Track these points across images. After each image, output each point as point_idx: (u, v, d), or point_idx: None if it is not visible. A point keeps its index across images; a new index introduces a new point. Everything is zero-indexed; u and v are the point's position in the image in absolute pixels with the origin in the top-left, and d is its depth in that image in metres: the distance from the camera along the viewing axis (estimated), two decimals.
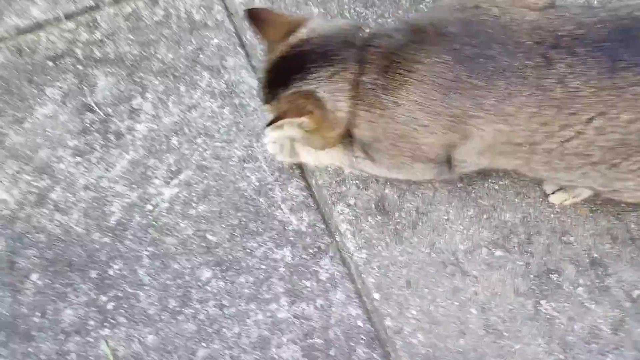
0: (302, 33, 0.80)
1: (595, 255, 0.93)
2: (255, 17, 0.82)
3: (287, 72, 0.80)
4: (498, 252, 0.94)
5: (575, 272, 0.92)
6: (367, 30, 0.82)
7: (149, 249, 0.96)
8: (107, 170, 1.00)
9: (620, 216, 0.94)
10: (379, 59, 0.79)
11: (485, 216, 0.96)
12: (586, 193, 0.93)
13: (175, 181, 0.99)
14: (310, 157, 0.96)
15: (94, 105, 1.02)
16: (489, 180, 0.98)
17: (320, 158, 0.95)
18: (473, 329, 0.90)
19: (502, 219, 0.96)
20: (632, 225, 0.94)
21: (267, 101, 0.83)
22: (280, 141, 0.95)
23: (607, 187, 0.82)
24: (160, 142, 1.01)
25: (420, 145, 0.81)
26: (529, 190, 0.97)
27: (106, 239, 0.96)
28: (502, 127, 0.76)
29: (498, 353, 0.89)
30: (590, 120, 0.73)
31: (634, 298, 0.90)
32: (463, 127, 0.77)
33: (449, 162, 0.86)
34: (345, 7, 1.08)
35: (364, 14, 1.08)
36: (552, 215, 0.95)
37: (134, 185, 0.99)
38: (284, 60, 0.81)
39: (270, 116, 0.81)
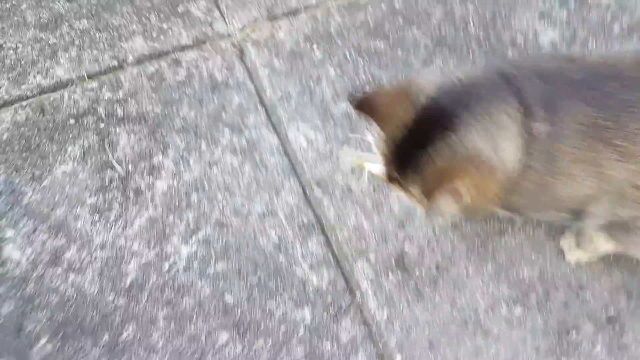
0: (423, 95, 0.69)
1: (612, 311, 0.92)
2: (362, 108, 0.74)
3: (422, 141, 0.68)
4: (518, 309, 0.93)
5: (594, 329, 0.92)
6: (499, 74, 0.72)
7: (164, 310, 0.93)
8: (124, 228, 0.99)
9: (634, 270, 0.94)
10: (536, 105, 0.69)
11: (503, 272, 0.96)
12: (603, 250, 0.94)
13: (194, 239, 0.99)
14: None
15: (114, 162, 1.04)
16: (506, 235, 0.99)
17: None
18: None
19: (520, 276, 0.96)
20: None
21: (406, 189, 0.72)
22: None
23: None
24: (180, 199, 1.01)
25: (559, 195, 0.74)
26: (545, 245, 0.97)
27: (121, 300, 0.94)
28: (632, 167, 0.70)
29: None
30: None
31: None
32: (599, 170, 0.71)
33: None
34: (361, 69, 1.14)
35: (378, 74, 1.13)
36: (568, 271, 0.95)
37: (151, 244, 0.98)
38: (413, 131, 0.69)
39: (419, 204, 0.71)
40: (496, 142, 0.68)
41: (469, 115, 0.67)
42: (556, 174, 0.71)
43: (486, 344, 0.91)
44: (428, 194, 0.67)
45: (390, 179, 0.74)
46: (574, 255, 0.96)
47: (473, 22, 1.20)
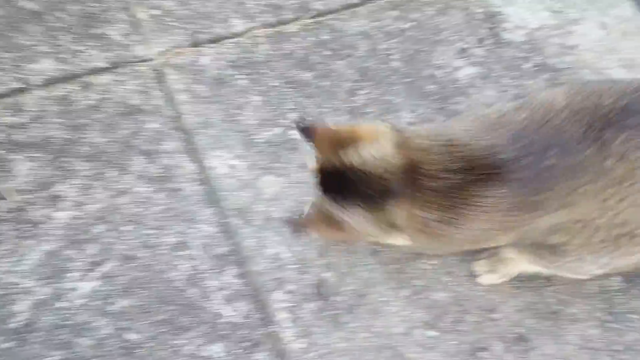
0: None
1: (521, 330, 0.96)
2: (306, 134, 0.85)
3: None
4: (431, 333, 0.94)
5: (503, 348, 0.94)
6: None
7: (57, 353, 0.85)
8: (17, 264, 0.91)
9: (540, 291, 1.00)
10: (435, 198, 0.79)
11: (418, 296, 0.98)
12: (516, 272, 0.98)
13: (96, 274, 0.93)
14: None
15: (3, 192, 0.96)
16: (421, 260, 1.01)
17: None
18: None
19: (434, 299, 0.98)
20: (551, 300, 0.99)
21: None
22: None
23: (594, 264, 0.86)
24: (82, 231, 0.96)
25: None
26: (458, 269, 1.01)
27: (8, 344, 0.85)
28: (562, 214, 0.77)
29: None
30: None
31: None
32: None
33: None
34: (286, 97, 1.15)
35: (304, 104, 1.15)
36: (479, 293, 0.99)
37: (47, 280, 0.91)
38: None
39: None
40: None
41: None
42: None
43: None
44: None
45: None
46: (486, 278, 1.00)
47: (395, 57, 1.26)
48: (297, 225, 0.90)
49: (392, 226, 0.84)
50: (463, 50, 1.30)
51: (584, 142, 0.76)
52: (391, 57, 1.27)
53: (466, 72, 1.26)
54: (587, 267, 0.89)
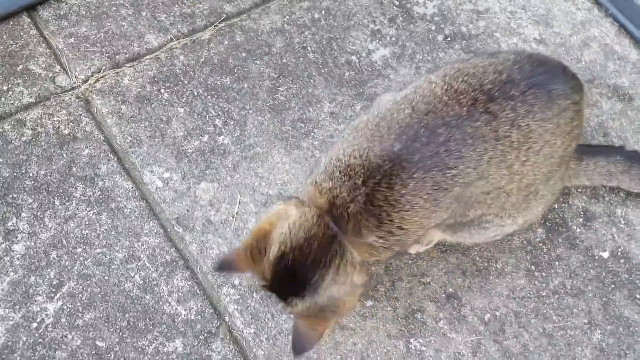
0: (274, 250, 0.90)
1: (451, 289, 1.20)
2: (223, 269, 0.99)
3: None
4: (369, 303, 1.16)
5: (435, 308, 1.18)
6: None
7: None
8: None
9: (466, 252, 1.23)
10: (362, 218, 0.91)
11: None
12: (436, 240, 1.20)
13: (59, 294, 1.14)
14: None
15: None
16: None
17: None
18: None
19: (369, 272, 1.19)
20: (477, 258, 1.20)
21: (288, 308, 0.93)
22: None
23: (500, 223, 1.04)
24: (40, 259, 1.16)
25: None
26: None
27: None
28: (480, 185, 0.94)
29: None
30: (539, 150, 0.95)
31: (486, 321, 1.14)
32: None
33: None
34: (209, 105, 1.30)
35: (227, 108, 1.30)
36: (410, 262, 1.20)
37: (16, 306, 1.11)
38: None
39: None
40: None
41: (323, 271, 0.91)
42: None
43: (344, 339, 1.14)
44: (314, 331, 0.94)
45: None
46: (413, 248, 1.20)
47: (311, 49, 1.41)
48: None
49: (371, 255, 0.96)
50: (375, 32, 1.45)
51: (472, 116, 0.92)
52: (307, 49, 1.42)
53: (380, 53, 1.42)
54: (507, 229, 1.11)
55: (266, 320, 1.16)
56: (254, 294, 1.17)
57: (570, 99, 0.97)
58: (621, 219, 1.25)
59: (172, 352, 1.11)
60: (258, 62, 1.41)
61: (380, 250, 0.96)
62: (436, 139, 0.91)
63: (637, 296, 1.18)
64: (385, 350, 1.13)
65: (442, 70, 1.02)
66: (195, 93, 1.36)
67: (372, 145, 0.92)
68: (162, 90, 1.35)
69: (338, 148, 0.97)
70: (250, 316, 1.15)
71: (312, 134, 1.32)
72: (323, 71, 1.41)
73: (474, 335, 1.16)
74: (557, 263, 1.22)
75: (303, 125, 1.33)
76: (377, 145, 0.92)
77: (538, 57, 1.01)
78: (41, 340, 1.09)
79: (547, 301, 1.18)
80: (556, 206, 1.27)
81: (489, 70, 0.97)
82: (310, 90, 1.38)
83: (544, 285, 1.20)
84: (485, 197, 0.98)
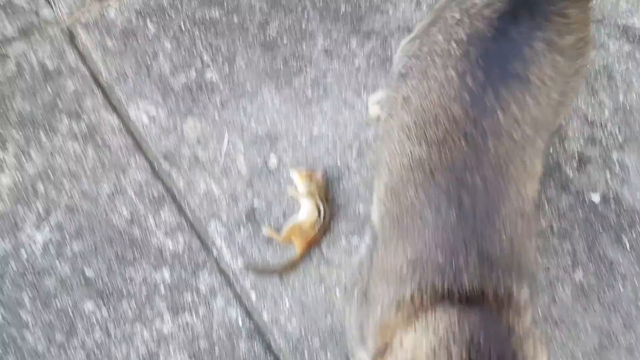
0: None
1: None
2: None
3: None
4: (355, 240, 1.29)
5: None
6: None
7: (28, 292, 1.24)
8: None
9: None
10: None
11: (342, 210, 1.34)
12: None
13: (47, 225, 1.31)
14: None
15: None
16: (343, 179, 1.38)
17: None
18: (338, 308, 1.26)
19: (356, 212, 1.34)
20: None
21: None
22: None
23: None
24: (27, 191, 1.34)
25: None
26: (372, 185, 1.33)
27: None
28: None
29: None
30: None
31: None
32: None
33: None
34: (197, 39, 1.41)
35: (215, 43, 1.42)
36: None
37: (4, 236, 1.30)
38: None
39: None
40: None
41: None
42: None
43: (329, 272, 1.30)
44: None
45: None
46: (374, 109, 1.38)
47: None
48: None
49: None
50: None
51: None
52: None
53: None
54: None
55: (253, 254, 1.32)
56: (242, 229, 1.34)
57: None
58: (616, 163, 1.40)
59: (161, 281, 1.29)
60: None
61: None
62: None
63: (624, 238, 1.34)
64: None
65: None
66: (183, 27, 1.48)
67: None
68: (149, 24, 1.48)
69: None
70: (238, 250, 1.32)
71: (304, 71, 1.44)
72: (318, 5, 1.51)
73: None
74: (546, 205, 1.36)
75: (295, 62, 1.45)
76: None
77: None
78: (30, 267, 1.28)
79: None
80: (551, 149, 1.40)
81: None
82: (303, 25, 1.49)
83: None
84: None
